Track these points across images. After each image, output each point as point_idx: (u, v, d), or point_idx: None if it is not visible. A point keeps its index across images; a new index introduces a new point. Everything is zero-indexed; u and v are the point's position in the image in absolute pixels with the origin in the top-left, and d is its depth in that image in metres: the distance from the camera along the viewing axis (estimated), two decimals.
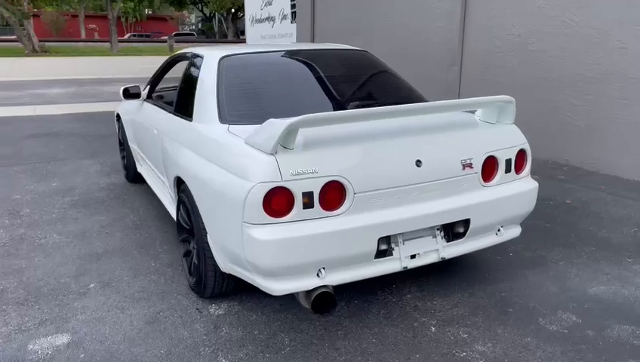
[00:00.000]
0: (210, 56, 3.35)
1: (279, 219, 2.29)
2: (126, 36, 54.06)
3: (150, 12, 60.38)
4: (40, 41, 30.75)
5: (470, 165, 2.68)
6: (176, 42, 37.27)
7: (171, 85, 5.23)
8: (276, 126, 2.26)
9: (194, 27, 65.62)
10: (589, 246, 3.72)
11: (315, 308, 2.40)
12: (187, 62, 3.77)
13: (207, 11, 55.25)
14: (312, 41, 10.19)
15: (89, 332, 2.74)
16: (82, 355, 2.55)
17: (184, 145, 3.08)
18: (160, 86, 4.79)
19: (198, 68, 3.38)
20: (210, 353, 2.56)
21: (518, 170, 2.92)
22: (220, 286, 2.89)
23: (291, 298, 3.04)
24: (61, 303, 3.03)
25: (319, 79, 3.29)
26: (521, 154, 2.91)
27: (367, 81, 3.41)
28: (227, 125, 2.80)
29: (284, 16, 14.03)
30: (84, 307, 2.99)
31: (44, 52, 29.65)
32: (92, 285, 3.24)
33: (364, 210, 2.43)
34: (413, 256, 2.62)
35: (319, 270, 2.41)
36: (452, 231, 2.71)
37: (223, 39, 49.00)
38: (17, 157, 6.53)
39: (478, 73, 6.70)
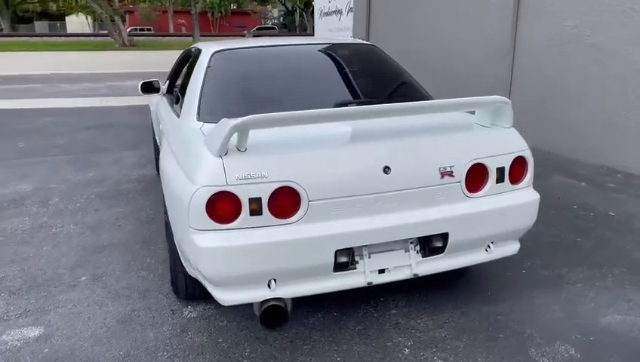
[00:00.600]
0: (205, 52, 3.27)
1: (225, 225, 2.16)
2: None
3: (235, 7, 62.11)
4: (129, 35, 32.54)
5: (450, 173, 2.40)
6: (255, 36, 38.00)
7: None
8: (225, 126, 2.12)
9: (276, 21, 66.70)
10: (619, 268, 3.27)
11: (263, 321, 2.25)
12: (192, 57, 3.72)
13: (289, 5, 55.99)
14: (367, 34, 9.93)
15: (62, 326, 2.76)
16: (46, 350, 2.57)
17: (169, 142, 3.03)
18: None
19: (195, 63, 3.31)
20: (166, 358, 2.49)
21: (516, 179, 2.59)
22: (193, 288, 2.81)
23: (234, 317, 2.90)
24: (48, 294, 3.09)
25: (313, 76, 3.12)
26: (520, 162, 2.58)
27: (363, 78, 3.19)
28: (202, 123, 2.70)
29: (351, 9, 13.82)
30: (67, 300, 3.02)
31: (133, 46, 31.32)
32: (83, 278, 3.28)
33: (320, 219, 2.24)
34: (382, 271, 2.39)
35: (270, 281, 2.25)
36: (429, 245, 2.45)
37: (302, 32, 49.44)
38: (68, 148, 6.86)
39: (531, 67, 6.18)
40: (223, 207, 2.13)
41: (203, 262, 2.17)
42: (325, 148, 2.31)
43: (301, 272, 2.26)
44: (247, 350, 2.53)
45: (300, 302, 2.78)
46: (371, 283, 2.36)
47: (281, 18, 65.70)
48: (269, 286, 2.25)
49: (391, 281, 2.43)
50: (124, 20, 33.42)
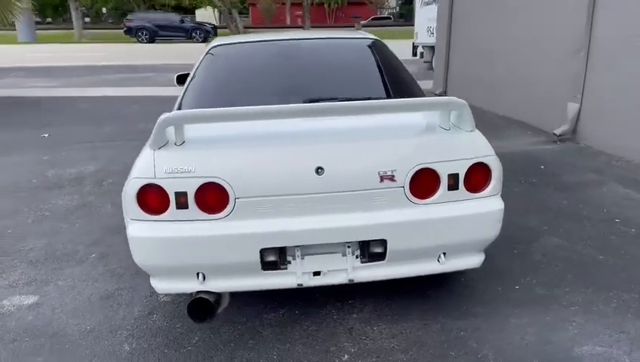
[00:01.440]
0: (209, 46, 3.38)
1: (155, 217, 2.25)
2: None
3: None
4: (245, 27, 34.08)
5: (392, 177, 2.26)
6: (369, 26, 37.85)
7: None
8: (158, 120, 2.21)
9: (393, 10, 65.92)
10: (630, 294, 2.88)
11: (190, 312, 2.32)
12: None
13: None
14: (449, 23, 9.50)
15: (53, 298, 3.04)
16: (30, 318, 2.85)
17: None
18: None
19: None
20: (122, 337, 2.65)
21: (476, 187, 2.38)
22: None
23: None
24: (57, 268, 3.41)
25: (297, 71, 3.10)
26: (479, 169, 2.37)
27: (350, 75, 3.10)
28: None
29: None
30: (69, 274, 3.32)
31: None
32: (93, 255, 3.58)
33: (247, 216, 2.24)
34: (317, 273, 2.34)
35: (198, 274, 2.30)
36: (369, 251, 2.34)
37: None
38: (145, 132, 7.39)
39: (607, 63, 5.55)
40: (152, 199, 2.22)
41: (134, 251, 2.29)
42: (255, 146, 2.30)
43: (229, 268, 2.29)
44: (196, 338, 2.61)
45: (268, 296, 2.81)
46: (302, 284, 2.32)
47: (398, 7, 64.79)
48: (198, 278, 2.31)
49: (326, 285, 2.37)
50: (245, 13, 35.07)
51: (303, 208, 2.24)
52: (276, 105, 2.24)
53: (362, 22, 31.45)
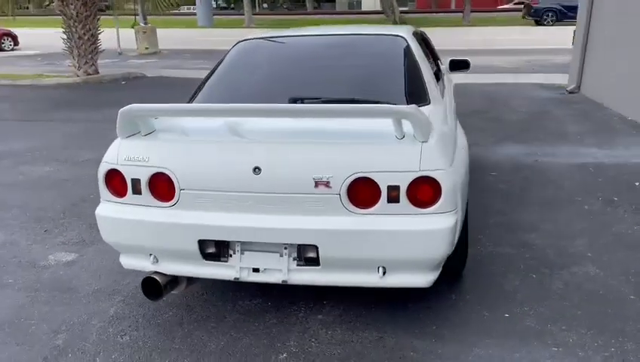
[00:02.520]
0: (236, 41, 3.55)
1: (118, 199, 2.49)
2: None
3: None
4: (405, 13, 33.75)
5: (327, 184, 2.21)
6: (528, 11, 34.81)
7: None
8: None
9: None
10: (639, 345, 2.43)
11: (143, 289, 2.53)
12: None
13: None
14: (589, 12, 8.42)
15: (88, 259, 3.50)
16: (61, 273, 3.34)
17: None
18: None
19: None
20: (115, 301, 2.96)
21: (422, 202, 2.21)
22: None
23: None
24: None
25: (307, 69, 3.12)
26: (427, 183, 2.19)
27: (351, 75, 3.02)
28: None
29: None
30: None
31: (403, 23, 32.41)
32: None
33: (189, 207, 2.37)
34: (256, 270, 2.40)
35: (151, 255, 2.50)
36: (304, 254, 2.33)
37: None
38: None
39: None
40: (115, 183, 2.46)
41: (100, 228, 2.56)
42: (201, 141, 2.41)
43: (175, 253, 2.45)
44: (170, 313, 2.83)
45: (252, 286, 2.91)
46: (238, 279, 2.39)
47: None
48: (151, 259, 2.51)
49: (262, 282, 2.41)
50: None
51: (241, 205, 2.31)
52: (228, 105, 2.32)
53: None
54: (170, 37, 21.19)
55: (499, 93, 9.18)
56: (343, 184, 2.21)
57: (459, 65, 4.54)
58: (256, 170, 2.26)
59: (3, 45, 19.99)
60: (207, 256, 2.42)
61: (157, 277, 2.49)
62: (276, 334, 2.62)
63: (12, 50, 20.13)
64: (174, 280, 2.57)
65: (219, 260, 2.42)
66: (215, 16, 36.02)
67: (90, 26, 10.95)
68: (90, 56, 11.24)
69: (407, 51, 3.11)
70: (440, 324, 2.64)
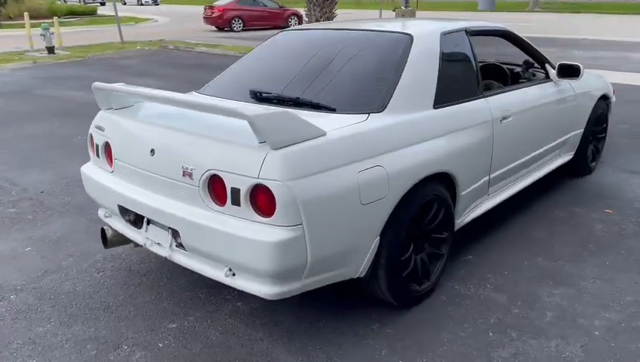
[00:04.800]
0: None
1: (93, 159, 2.90)
2: None
3: None
4: None
5: (190, 175, 2.22)
6: None
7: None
8: None
9: None
10: None
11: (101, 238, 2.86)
12: None
13: None
14: None
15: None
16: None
17: None
18: None
19: None
20: (98, 258, 3.17)
21: (262, 211, 2.05)
22: None
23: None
24: None
25: (298, 64, 2.98)
26: (264, 192, 2.02)
27: (329, 73, 2.76)
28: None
29: None
30: None
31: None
32: None
33: (119, 176, 2.61)
34: (158, 244, 2.53)
35: (104, 210, 2.86)
36: (176, 238, 2.37)
37: None
38: None
39: None
40: (92, 146, 2.88)
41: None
42: (132, 119, 2.59)
43: (113, 212, 2.73)
44: (94, 303, 2.74)
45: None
46: (144, 245, 2.53)
47: None
48: (105, 213, 2.87)
49: (159, 254, 2.47)
50: None
51: (145, 183, 2.47)
52: (155, 91, 2.49)
53: None
54: None
55: None
56: (201, 178, 2.19)
57: (568, 72, 3.59)
58: (152, 151, 2.40)
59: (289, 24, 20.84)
60: (127, 221, 2.65)
61: (106, 229, 2.83)
62: (169, 317, 2.60)
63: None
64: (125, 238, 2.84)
65: (135, 226, 2.62)
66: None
67: (327, 10, 11.83)
68: None
69: (399, 54, 2.69)
70: (397, 338, 2.32)
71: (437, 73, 2.71)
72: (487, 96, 3.00)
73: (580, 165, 4.26)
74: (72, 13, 26.74)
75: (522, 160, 3.34)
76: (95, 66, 11.65)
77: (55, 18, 16.25)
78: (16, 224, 3.72)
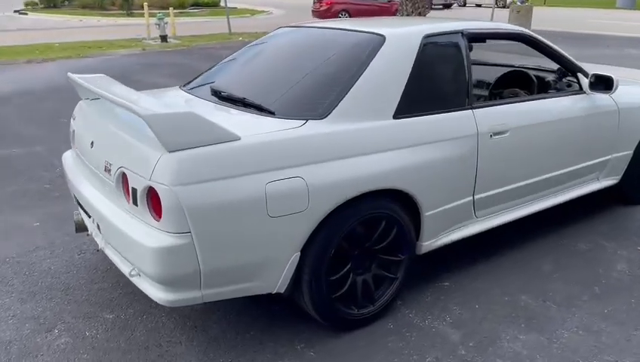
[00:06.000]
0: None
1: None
2: None
3: None
4: None
5: (109, 171, 2.20)
6: None
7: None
8: None
9: None
10: None
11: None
12: None
13: None
14: None
15: None
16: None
17: None
18: None
19: None
20: (83, 243, 3.28)
21: (155, 214, 1.96)
22: None
23: None
24: None
25: (269, 62, 2.89)
26: (154, 195, 1.94)
27: (287, 73, 2.60)
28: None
29: None
30: None
31: None
32: None
33: (76, 165, 2.69)
34: (97, 234, 2.57)
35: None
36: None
37: None
38: None
39: None
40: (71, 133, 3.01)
41: None
42: (89, 112, 2.64)
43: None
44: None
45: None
46: (91, 233, 2.59)
47: None
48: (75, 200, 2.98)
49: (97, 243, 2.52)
50: None
51: (86, 173, 2.52)
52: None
53: None
54: (555, 18, 19.59)
55: None
56: (115, 174, 2.16)
57: (599, 84, 3.03)
58: (92, 144, 2.43)
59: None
60: (82, 208, 2.74)
61: (75, 214, 2.94)
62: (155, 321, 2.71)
63: None
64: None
65: (87, 215, 2.70)
66: None
67: (419, 5, 11.36)
68: None
69: (363, 56, 2.44)
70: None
71: (406, 79, 2.43)
72: (475, 108, 2.65)
73: (628, 192, 3.64)
74: (197, 4, 28.39)
75: (528, 181, 2.91)
76: (194, 55, 12.27)
77: (171, 9, 17.40)
78: (42, 199, 3.98)
